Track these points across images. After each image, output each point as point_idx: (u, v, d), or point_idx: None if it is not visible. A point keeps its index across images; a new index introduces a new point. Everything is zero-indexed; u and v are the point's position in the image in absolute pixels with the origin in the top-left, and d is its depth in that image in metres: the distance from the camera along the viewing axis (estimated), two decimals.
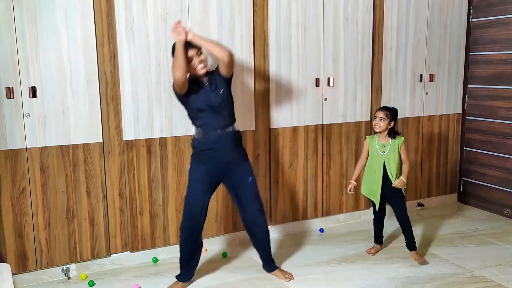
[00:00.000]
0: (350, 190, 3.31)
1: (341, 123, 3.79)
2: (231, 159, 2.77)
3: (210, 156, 2.72)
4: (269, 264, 3.02)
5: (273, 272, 3.01)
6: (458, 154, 4.51)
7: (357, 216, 4.03)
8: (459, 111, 4.42)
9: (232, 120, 2.78)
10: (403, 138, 3.22)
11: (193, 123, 2.80)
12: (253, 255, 3.33)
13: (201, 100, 2.69)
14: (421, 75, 4.11)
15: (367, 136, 3.31)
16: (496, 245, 3.51)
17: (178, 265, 2.89)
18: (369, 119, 3.92)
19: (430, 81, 4.16)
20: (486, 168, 4.28)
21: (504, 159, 4.12)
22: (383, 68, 3.91)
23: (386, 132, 3.19)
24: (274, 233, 3.64)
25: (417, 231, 3.71)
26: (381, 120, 3.15)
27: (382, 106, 3.29)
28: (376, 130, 3.20)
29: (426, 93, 4.16)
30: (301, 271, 3.09)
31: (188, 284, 2.89)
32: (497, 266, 3.15)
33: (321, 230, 3.56)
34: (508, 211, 4.10)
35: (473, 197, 4.43)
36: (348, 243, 3.54)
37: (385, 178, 3.18)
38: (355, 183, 3.31)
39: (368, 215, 4.06)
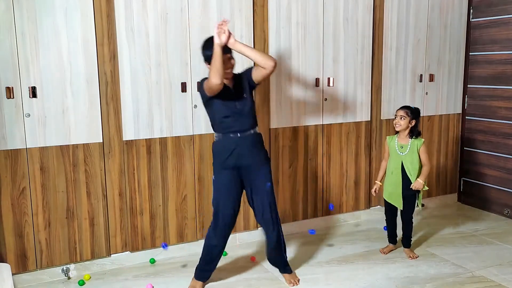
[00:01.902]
0: (375, 191, 3.29)
1: (341, 123, 3.79)
2: (251, 162, 2.73)
3: (232, 160, 2.69)
4: (282, 267, 2.97)
5: (283, 274, 2.98)
6: (458, 154, 4.51)
7: (357, 216, 4.03)
8: (459, 111, 4.42)
9: (254, 123, 2.75)
10: (423, 139, 3.19)
11: (215, 127, 2.74)
12: (253, 255, 3.33)
13: (226, 107, 2.64)
14: (421, 75, 4.11)
15: (387, 136, 3.31)
16: (496, 245, 3.51)
17: (180, 265, 2.88)
18: (369, 119, 3.92)
19: (430, 81, 4.16)
20: (486, 168, 4.28)
21: (504, 159, 4.12)
22: (383, 68, 3.91)
23: (406, 132, 3.16)
24: None
25: (417, 231, 3.72)
26: (401, 118, 3.13)
27: (403, 105, 3.28)
28: (397, 129, 3.18)
29: (426, 93, 4.16)
30: (301, 271, 3.09)
31: (206, 284, 2.89)
32: (497, 266, 3.15)
33: (312, 232, 3.53)
34: (508, 211, 4.10)
35: (473, 197, 4.43)
36: (348, 243, 3.54)
37: (404, 179, 3.17)
38: (380, 183, 3.30)
39: (368, 215, 4.06)
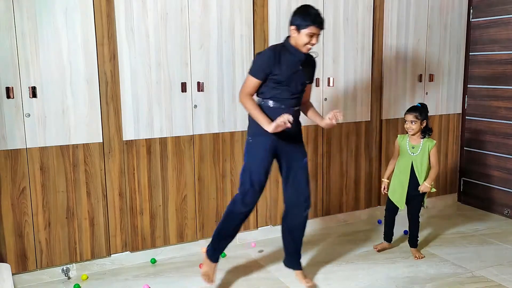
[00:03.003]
0: (384, 189, 3.28)
1: (341, 123, 3.79)
2: (293, 135, 2.69)
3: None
4: (294, 262, 2.94)
5: (296, 271, 2.93)
6: (458, 154, 4.51)
7: (357, 216, 4.03)
8: (459, 111, 4.42)
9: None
10: (435, 141, 3.19)
11: (266, 94, 2.63)
12: (253, 255, 3.33)
13: (289, 76, 2.58)
14: (421, 75, 4.11)
15: (398, 135, 3.31)
16: (496, 245, 3.51)
17: (180, 265, 2.86)
18: (369, 119, 3.92)
19: (430, 81, 4.16)
20: (486, 168, 4.28)
21: (504, 159, 4.12)
22: (383, 68, 3.91)
23: (419, 132, 3.17)
24: (275, 233, 3.64)
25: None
26: (412, 123, 3.13)
27: (410, 107, 3.24)
28: (410, 134, 3.17)
29: (426, 93, 4.16)
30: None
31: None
32: (497, 266, 3.15)
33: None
34: (508, 211, 4.10)
35: (473, 197, 4.43)
36: (348, 243, 3.54)
37: (412, 179, 3.18)
38: (387, 181, 3.29)
39: (368, 215, 4.06)
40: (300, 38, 2.53)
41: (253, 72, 2.59)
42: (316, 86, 3.61)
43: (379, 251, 3.35)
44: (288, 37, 2.63)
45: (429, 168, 3.18)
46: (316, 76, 3.59)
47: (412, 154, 3.17)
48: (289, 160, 2.74)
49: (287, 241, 2.92)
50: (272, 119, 2.54)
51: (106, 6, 2.91)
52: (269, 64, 2.55)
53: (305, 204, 2.80)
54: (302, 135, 2.80)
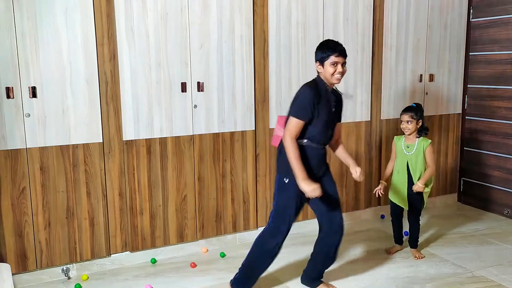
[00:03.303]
0: (380, 190, 3.24)
1: (341, 123, 3.78)
2: (324, 174, 2.73)
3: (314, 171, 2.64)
4: (316, 280, 2.89)
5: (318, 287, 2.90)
6: (458, 154, 4.51)
7: (357, 216, 4.03)
8: (459, 111, 4.42)
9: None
10: (430, 140, 3.19)
11: (302, 135, 2.60)
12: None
13: (327, 117, 2.61)
14: (421, 75, 4.11)
15: (395, 136, 3.32)
16: (496, 245, 3.51)
17: (180, 265, 2.85)
18: (369, 119, 3.92)
19: (430, 81, 4.16)
20: (486, 168, 4.28)
21: (504, 159, 4.12)
22: (383, 68, 3.91)
23: (415, 132, 3.18)
24: None
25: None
26: (408, 122, 3.15)
27: (405, 107, 3.25)
28: (406, 134, 3.19)
29: (426, 93, 4.16)
30: (301, 271, 3.09)
31: None
32: (497, 266, 3.15)
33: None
34: (508, 211, 4.10)
35: (473, 197, 4.43)
36: (348, 243, 3.54)
37: (410, 179, 3.19)
38: (385, 183, 3.29)
39: (368, 215, 4.06)
40: (326, 70, 2.55)
41: (299, 115, 2.53)
42: None
43: (392, 254, 3.34)
44: (318, 77, 2.63)
45: (425, 168, 3.18)
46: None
47: (407, 153, 3.19)
48: (325, 193, 2.69)
49: (315, 261, 2.86)
50: (305, 157, 2.56)
51: (106, 6, 2.91)
52: (314, 105, 2.53)
53: (340, 231, 2.78)
54: (329, 167, 2.83)
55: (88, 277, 3.01)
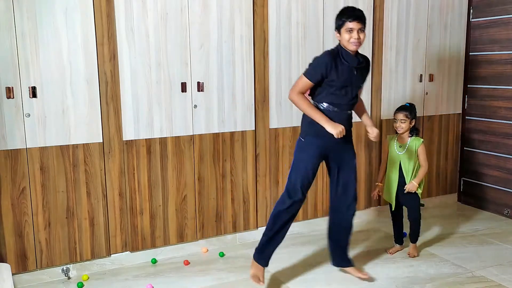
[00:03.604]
0: (376, 193, 3.28)
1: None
2: (345, 137, 2.68)
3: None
4: (345, 260, 2.97)
5: (347, 269, 2.97)
6: (458, 154, 4.51)
7: (357, 216, 4.01)
8: (459, 111, 4.42)
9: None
10: (422, 140, 3.20)
11: (322, 98, 2.65)
12: (252, 255, 3.32)
13: (345, 82, 2.61)
14: (421, 75, 4.11)
15: (388, 136, 3.32)
16: (496, 245, 3.51)
17: (180, 265, 2.85)
18: None
19: (430, 81, 4.16)
20: (486, 168, 4.28)
21: (504, 159, 4.12)
22: (383, 68, 3.91)
23: (407, 132, 3.20)
24: None
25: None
26: (402, 121, 3.16)
27: (399, 106, 3.27)
28: (399, 132, 3.20)
29: (426, 93, 4.16)
30: (301, 271, 3.09)
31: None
32: (497, 266, 3.15)
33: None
34: (508, 211, 4.10)
35: (473, 197, 4.43)
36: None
37: (401, 178, 3.19)
38: (381, 184, 3.30)
39: (367, 215, 4.06)
40: (343, 37, 2.57)
41: (308, 74, 2.62)
42: None
43: (392, 254, 3.35)
44: (339, 45, 2.65)
45: (418, 167, 3.19)
46: None
47: (399, 153, 3.20)
48: (339, 161, 2.78)
49: (334, 239, 2.94)
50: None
51: (106, 6, 2.91)
52: (327, 69, 2.57)
53: (352, 204, 2.85)
54: (352, 136, 2.85)
55: (88, 277, 3.01)
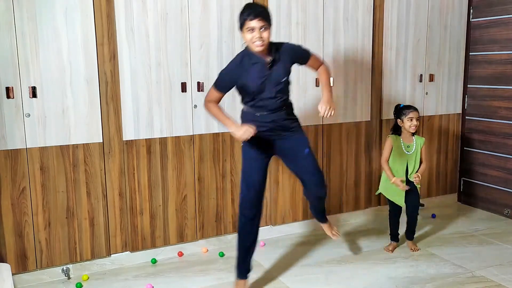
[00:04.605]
0: (404, 187, 3.22)
1: (341, 123, 3.79)
2: (285, 131, 2.61)
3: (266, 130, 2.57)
4: (321, 218, 3.01)
5: (322, 224, 3.03)
6: (458, 154, 4.51)
7: (357, 216, 4.03)
8: (459, 111, 4.42)
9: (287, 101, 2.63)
10: (424, 138, 3.29)
11: (246, 102, 2.59)
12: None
13: (258, 84, 2.48)
14: (421, 75, 4.11)
15: (389, 135, 3.32)
16: (496, 245, 3.51)
17: (180, 265, 2.87)
18: (369, 119, 3.92)
19: (430, 81, 4.16)
20: (486, 168, 4.28)
21: (504, 159, 4.12)
22: (383, 68, 3.91)
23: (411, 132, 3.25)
24: (274, 233, 3.64)
25: (417, 231, 3.70)
26: (417, 120, 3.20)
27: (407, 105, 3.28)
28: (412, 131, 3.23)
29: (426, 93, 4.16)
30: (301, 271, 3.09)
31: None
32: (497, 266, 3.15)
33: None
34: (508, 211, 4.10)
35: (473, 197, 4.43)
36: (348, 243, 3.54)
37: (406, 177, 3.25)
38: (399, 178, 3.22)
39: (367, 215, 4.06)
40: (245, 38, 2.41)
41: (215, 83, 2.55)
42: (316, 86, 3.61)
43: (392, 251, 3.37)
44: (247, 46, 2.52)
45: (419, 164, 3.27)
46: (316, 76, 3.59)
47: (408, 153, 3.23)
48: (289, 156, 2.71)
49: (311, 204, 2.98)
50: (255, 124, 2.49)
51: (106, 6, 2.91)
52: (233, 76, 2.48)
53: (320, 191, 2.78)
54: (298, 127, 2.69)
55: (88, 277, 3.01)
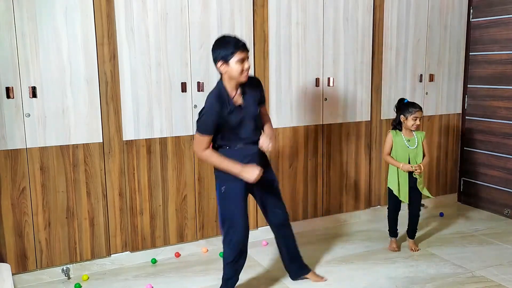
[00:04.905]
0: (416, 169, 3.20)
1: (341, 123, 3.79)
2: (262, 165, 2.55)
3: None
4: (302, 268, 2.92)
5: (307, 275, 2.92)
6: (458, 154, 4.51)
7: (357, 216, 4.03)
8: (459, 111, 4.42)
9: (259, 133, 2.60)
10: (424, 132, 3.35)
11: (219, 141, 2.53)
12: (252, 255, 3.32)
13: (238, 122, 2.48)
14: (421, 75, 4.11)
15: (389, 131, 3.33)
16: (496, 245, 3.51)
17: (180, 265, 2.87)
18: (369, 119, 3.92)
19: (430, 81, 4.16)
20: (486, 168, 4.28)
21: (504, 159, 4.12)
22: (383, 68, 3.91)
23: None
24: None
25: (418, 231, 3.71)
26: (420, 119, 3.23)
27: (412, 102, 3.29)
28: (414, 129, 3.24)
29: (426, 93, 4.16)
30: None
31: None
32: (497, 266, 3.15)
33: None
34: (508, 211, 4.09)
35: (473, 197, 4.43)
36: (348, 243, 3.54)
37: (410, 172, 3.25)
38: (411, 165, 3.20)
39: (368, 215, 4.06)
40: (233, 69, 2.36)
41: (202, 130, 2.43)
42: (316, 86, 3.61)
43: (398, 249, 3.38)
44: (221, 80, 2.46)
45: (421, 158, 3.29)
46: (316, 76, 3.60)
47: (410, 147, 3.25)
48: (262, 189, 2.68)
49: (285, 255, 2.89)
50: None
51: (106, 6, 2.91)
52: (218, 117, 2.41)
53: (284, 215, 2.79)
54: (268, 162, 2.73)
55: (88, 277, 3.01)
